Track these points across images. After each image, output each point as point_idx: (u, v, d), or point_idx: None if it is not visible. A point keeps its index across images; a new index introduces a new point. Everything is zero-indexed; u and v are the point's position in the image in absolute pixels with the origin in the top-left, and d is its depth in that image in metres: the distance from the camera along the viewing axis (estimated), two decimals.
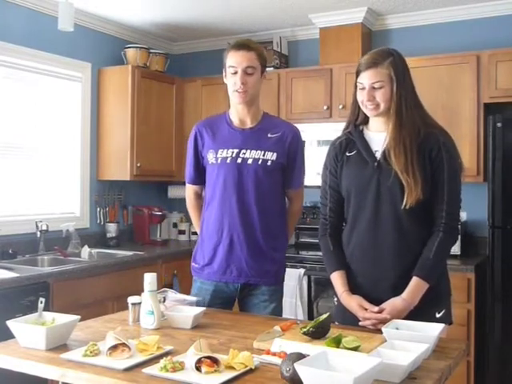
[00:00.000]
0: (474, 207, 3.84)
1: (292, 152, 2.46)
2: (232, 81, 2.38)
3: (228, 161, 2.41)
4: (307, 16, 4.26)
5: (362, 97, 2.05)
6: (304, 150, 2.55)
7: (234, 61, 2.36)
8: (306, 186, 4.29)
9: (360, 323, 2.00)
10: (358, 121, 2.15)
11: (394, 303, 1.97)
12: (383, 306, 1.98)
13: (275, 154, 2.41)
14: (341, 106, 4.03)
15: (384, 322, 1.91)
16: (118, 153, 4.33)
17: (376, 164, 2.04)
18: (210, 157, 2.46)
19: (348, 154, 2.13)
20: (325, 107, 4.12)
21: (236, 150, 2.41)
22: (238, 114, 2.47)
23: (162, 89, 4.57)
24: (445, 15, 4.10)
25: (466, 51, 3.80)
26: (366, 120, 2.14)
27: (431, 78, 3.75)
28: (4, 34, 3.70)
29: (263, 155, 2.40)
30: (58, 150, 4.19)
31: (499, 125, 3.39)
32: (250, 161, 2.40)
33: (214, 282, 2.46)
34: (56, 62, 4.07)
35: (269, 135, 2.44)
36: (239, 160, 2.40)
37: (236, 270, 2.42)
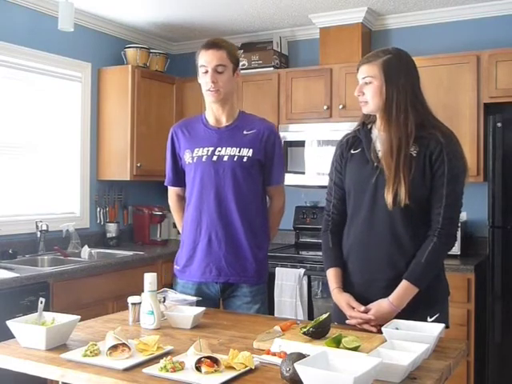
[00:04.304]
0: (474, 207, 3.84)
1: (269, 148, 2.44)
2: (204, 80, 2.39)
3: (204, 159, 2.41)
4: (307, 16, 4.26)
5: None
6: (282, 147, 2.53)
7: (204, 60, 2.36)
8: (306, 186, 4.35)
9: (347, 321, 2.00)
10: (369, 119, 2.13)
11: (380, 305, 1.96)
12: (369, 306, 1.97)
13: (251, 150, 2.39)
14: (341, 106, 4.03)
15: (369, 322, 1.93)
16: (118, 153, 4.33)
17: (376, 164, 2.02)
18: (187, 157, 2.46)
19: (352, 152, 2.12)
20: (325, 107, 4.12)
21: (211, 148, 2.41)
22: (212, 113, 2.47)
23: (161, 89, 4.57)
24: (445, 15, 4.10)
25: (466, 51, 3.80)
26: (375, 119, 2.12)
27: (431, 78, 3.74)
28: (4, 34, 3.70)
29: (239, 152, 2.39)
30: (58, 150, 4.19)
31: (499, 125, 3.39)
32: (225, 158, 2.39)
33: (195, 283, 2.44)
34: (56, 62, 4.07)
35: (244, 132, 2.43)
36: (215, 158, 2.40)
37: (215, 269, 2.40)
